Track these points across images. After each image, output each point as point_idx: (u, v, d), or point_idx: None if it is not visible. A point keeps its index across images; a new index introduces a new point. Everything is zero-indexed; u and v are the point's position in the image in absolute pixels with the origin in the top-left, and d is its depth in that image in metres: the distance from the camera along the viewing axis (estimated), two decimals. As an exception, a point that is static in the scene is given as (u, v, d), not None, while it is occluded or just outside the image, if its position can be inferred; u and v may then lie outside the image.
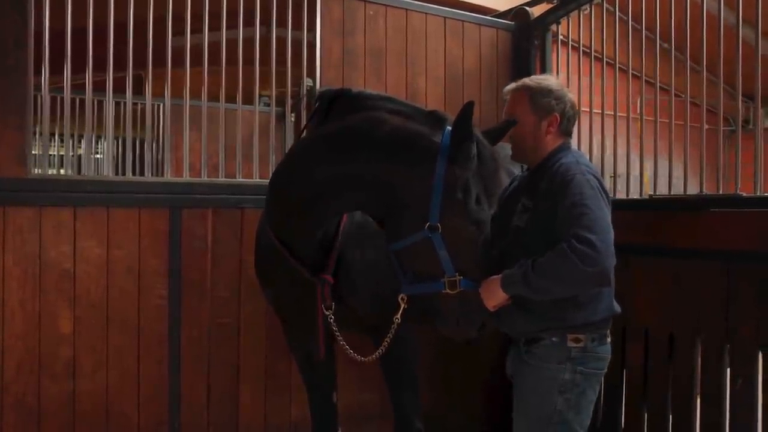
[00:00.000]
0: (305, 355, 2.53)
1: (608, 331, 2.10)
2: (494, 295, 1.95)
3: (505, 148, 3.00)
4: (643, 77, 3.08)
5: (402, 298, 2.07)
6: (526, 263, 1.90)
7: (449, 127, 1.95)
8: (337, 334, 2.22)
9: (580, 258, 1.82)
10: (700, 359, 2.69)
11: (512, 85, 2.18)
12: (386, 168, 1.97)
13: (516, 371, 2.15)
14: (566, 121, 2.12)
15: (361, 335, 2.45)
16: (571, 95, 2.16)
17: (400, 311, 2.08)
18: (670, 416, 2.79)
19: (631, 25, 3.19)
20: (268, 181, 2.37)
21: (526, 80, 2.17)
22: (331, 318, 2.18)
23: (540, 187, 2.04)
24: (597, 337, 2.04)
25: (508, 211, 2.12)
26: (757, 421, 2.48)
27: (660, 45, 2.96)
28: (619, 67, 3.24)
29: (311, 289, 2.19)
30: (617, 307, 2.10)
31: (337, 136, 2.07)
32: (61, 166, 4.73)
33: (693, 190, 2.87)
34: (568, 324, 2.00)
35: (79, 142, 4.70)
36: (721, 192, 2.74)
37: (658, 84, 2.96)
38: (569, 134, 2.18)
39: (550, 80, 2.16)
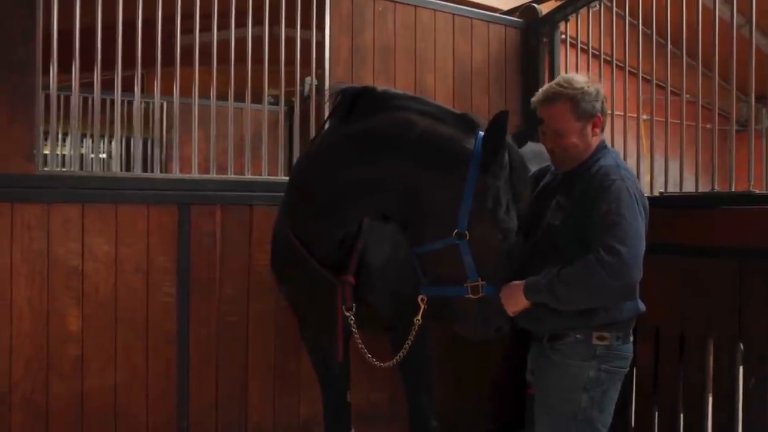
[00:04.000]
0: (321, 354, 2.51)
1: (631, 330, 2.09)
2: (516, 301, 1.95)
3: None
4: (654, 79, 3.07)
5: (422, 299, 2.04)
6: (551, 272, 1.89)
7: (481, 132, 1.92)
8: (356, 336, 2.18)
9: (607, 271, 1.82)
10: (711, 358, 2.67)
11: (544, 94, 2.10)
12: (415, 172, 1.92)
13: (539, 368, 2.14)
14: (605, 117, 2.13)
15: (379, 336, 2.43)
16: (596, 85, 2.12)
17: (421, 312, 2.05)
18: (682, 416, 2.77)
19: (639, 23, 3.17)
20: (287, 179, 2.35)
21: (560, 88, 2.07)
22: (351, 319, 2.15)
23: (577, 188, 2.02)
24: (621, 336, 2.04)
25: (541, 206, 2.10)
26: (770, 420, 2.46)
27: (668, 46, 2.95)
28: (622, 67, 3.22)
29: (331, 289, 2.16)
30: (642, 306, 2.10)
31: (364, 137, 2.00)
32: (65, 165, 4.72)
33: (704, 189, 2.85)
34: (593, 324, 1.99)
35: (83, 141, 4.69)
36: (733, 189, 2.72)
37: (668, 86, 2.94)
38: (603, 129, 2.16)
39: (580, 81, 2.09)
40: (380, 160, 1.96)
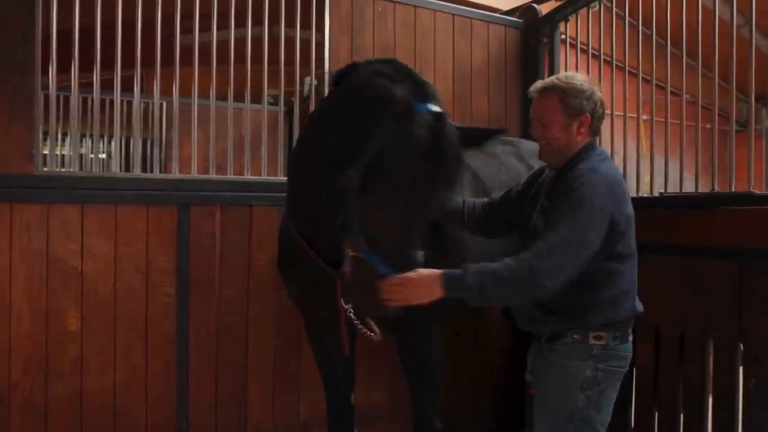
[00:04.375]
0: (325, 353, 2.50)
1: (630, 330, 2.09)
2: (427, 291, 1.85)
3: (491, 144, 2.96)
4: (654, 80, 3.07)
5: None
6: (480, 270, 1.85)
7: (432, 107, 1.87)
8: (356, 322, 2.12)
9: (535, 272, 1.82)
10: (712, 359, 2.67)
11: (540, 85, 2.13)
12: (358, 124, 1.87)
13: (537, 368, 2.14)
14: (596, 120, 2.09)
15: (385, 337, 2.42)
16: (599, 92, 2.12)
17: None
18: (682, 416, 2.77)
19: (639, 23, 3.17)
20: (287, 179, 2.34)
21: (555, 80, 2.10)
22: (350, 312, 2.14)
23: (559, 189, 2.02)
24: (619, 336, 2.03)
25: (532, 208, 2.12)
26: (771, 421, 2.46)
27: (668, 47, 2.95)
28: (622, 67, 3.22)
29: (333, 286, 2.16)
30: (640, 307, 2.10)
31: (329, 106, 2.06)
32: (64, 165, 4.72)
33: (704, 189, 2.85)
34: (589, 324, 2.00)
35: (82, 141, 4.69)
36: (733, 190, 2.72)
37: (668, 86, 2.94)
38: (597, 132, 2.15)
39: (578, 78, 2.10)
40: (340, 126, 1.95)
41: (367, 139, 1.80)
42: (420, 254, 1.89)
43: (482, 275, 1.84)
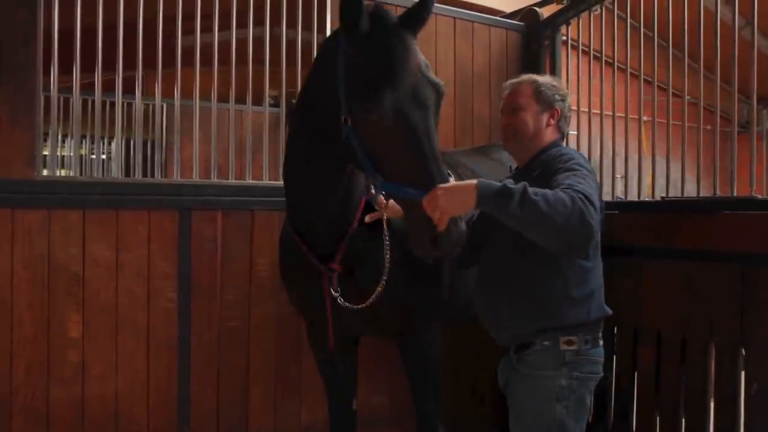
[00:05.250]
0: (327, 358, 2.50)
1: (600, 334, 2.06)
2: (458, 205, 1.68)
3: (497, 149, 2.97)
4: (655, 82, 3.06)
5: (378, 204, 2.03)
6: (515, 185, 1.69)
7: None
8: (337, 295, 2.12)
9: (586, 208, 1.66)
10: (713, 363, 2.67)
11: (515, 79, 2.22)
12: (317, 85, 1.95)
13: (509, 380, 2.09)
14: (563, 119, 2.18)
15: (386, 340, 2.42)
16: (570, 99, 2.23)
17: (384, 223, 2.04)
18: (683, 420, 2.77)
19: (641, 27, 3.17)
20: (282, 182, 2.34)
21: (531, 75, 2.22)
22: (339, 299, 2.11)
23: (532, 177, 1.97)
24: (590, 339, 1.99)
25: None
26: (772, 426, 2.46)
27: (669, 48, 2.95)
28: (624, 69, 3.22)
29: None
30: (608, 309, 2.07)
31: (300, 95, 2.12)
32: (65, 167, 4.72)
33: (705, 193, 2.86)
34: (560, 324, 1.95)
35: (83, 143, 4.68)
36: (735, 194, 2.73)
37: (670, 88, 2.94)
38: (563, 134, 2.22)
39: (554, 80, 2.23)
40: (307, 98, 2.02)
41: (336, 75, 1.83)
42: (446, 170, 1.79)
43: (526, 187, 1.67)
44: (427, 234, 1.71)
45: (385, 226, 2.07)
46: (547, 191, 1.69)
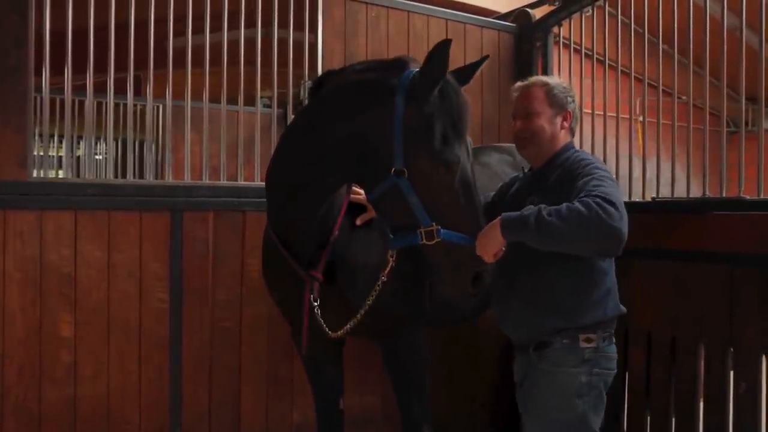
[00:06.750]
0: (313, 360, 2.51)
1: (613, 331, 2.10)
2: (492, 242, 1.82)
3: (486, 153, 2.98)
4: (646, 80, 3.08)
5: (391, 255, 2.02)
6: (535, 209, 1.80)
7: (413, 68, 1.90)
8: (316, 305, 2.14)
9: (604, 211, 1.72)
10: (703, 363, 2.69)
11: (525, 81, 2.20)
12: (351, 120, 1.93)
13: (526, 377, 2.11)
14: (575, 120, 2.17)
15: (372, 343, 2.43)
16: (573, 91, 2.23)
17: (388, 269, 2.03)
18: (673, 420, 2.79)
19: (633, 26, 3.18)
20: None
21: (540, 77, 2.21)
22: (317, 310, 2.13)
23: (549, 182, 2.03)
24: (607, 336, 2.04)
25: (515, 209, 2.10)
26: (760, 426, 2.47)
27: (661, 47, 2.96)
28: (618, 69, 3.23)
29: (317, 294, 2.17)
30: (623, 308, 2.11)
31: (310, 109, 2.10)
32: (60, 167, 4.72)
33: (696, 193, 2.87)
34: (580, 324, 1.99)
35: (78, 143, 4.68)
36: (724, 195, 2.74)
37: (660, 86, 2.95)
38: (573, 135, 2.22)
39: (561, 80, 2.22)
40: (325, 122, 1.99)
41: (377, 122, 1.86)
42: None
43: (540, 210, 1.77)
44: (472, 272, 1.85)
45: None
46: (562, 206, 1.76)
